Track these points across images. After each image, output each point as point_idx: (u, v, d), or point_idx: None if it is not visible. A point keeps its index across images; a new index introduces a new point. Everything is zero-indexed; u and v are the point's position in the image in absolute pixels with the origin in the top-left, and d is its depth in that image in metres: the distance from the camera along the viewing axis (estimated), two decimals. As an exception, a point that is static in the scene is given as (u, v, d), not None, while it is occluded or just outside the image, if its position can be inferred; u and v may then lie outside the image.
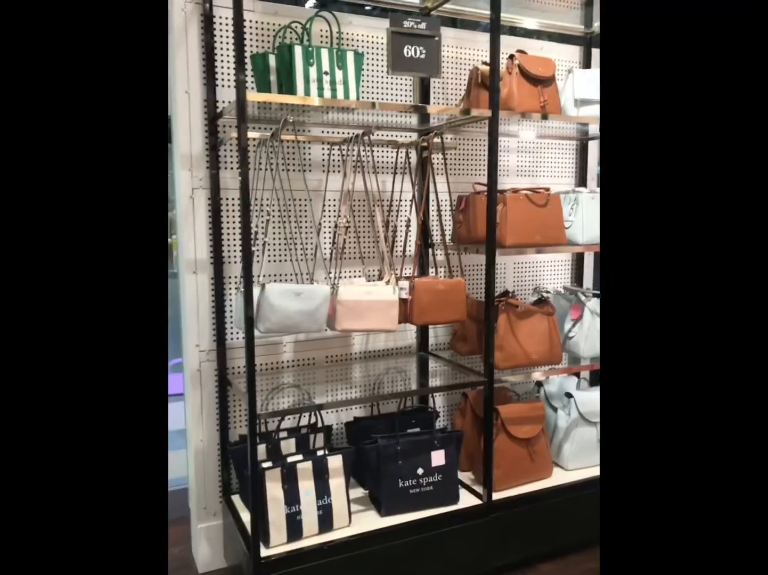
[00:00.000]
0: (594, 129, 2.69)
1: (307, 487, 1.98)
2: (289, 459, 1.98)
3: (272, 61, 1.98)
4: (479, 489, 2.27)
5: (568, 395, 2.55)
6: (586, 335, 2.46)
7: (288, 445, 2.15)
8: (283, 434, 2.17)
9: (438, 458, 2.18)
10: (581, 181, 2.89)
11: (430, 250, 2.43)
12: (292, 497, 1.95)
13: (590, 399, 2.51)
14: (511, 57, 2.27)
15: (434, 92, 2.52)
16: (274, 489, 1.92)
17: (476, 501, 2.23)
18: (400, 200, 2.40)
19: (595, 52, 2.81)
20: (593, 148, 2.89)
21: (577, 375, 2.84)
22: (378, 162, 2.43)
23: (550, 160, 2.85)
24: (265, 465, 1.93)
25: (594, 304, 2.49)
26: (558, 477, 2.43)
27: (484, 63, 2.23)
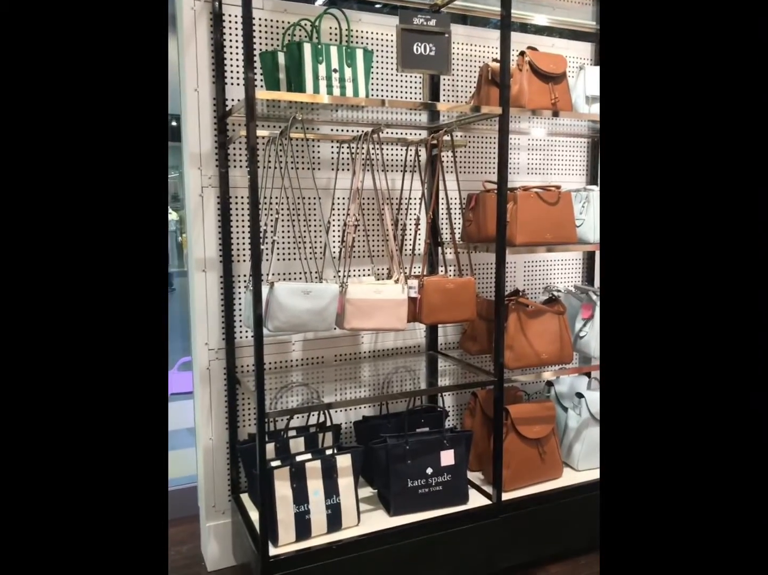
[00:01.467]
0: (606, 126, 2.66)
1: (315, 486, 1.97)
2: (298, 458, 1.97)
3: (281, 58, 1.97)
4: (489, 489, 2.25)
5: (579, 395, 2.53)
6: (597, 334, 2.44)
7: (297, 444, 2.15)
8: (291, 433, 2.17)
9: (447, 458, 2.17)
10: (593, 178, 2.87)
11: (439, 249, 2.41)
12: (300, 496, 1.94)
13: (601, 399, 2.49)
14: (522, 54, 2.25)
15: (444, 89, 2.50)
16: (283, 488, 1.92)
17: (486, 502, 2.22)
18: (410, 198, 2.39)
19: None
20: (605, 146, 2.87)
21: (588, 374, 2.82)
22: (387, 160, 2.42)
23: (561, 158, 2.83)
24: (273, 464, 1.93)
25: (605, 303, 2.46)
26: (568, 478, 2.42)
27: (495, 60, 2.21)
